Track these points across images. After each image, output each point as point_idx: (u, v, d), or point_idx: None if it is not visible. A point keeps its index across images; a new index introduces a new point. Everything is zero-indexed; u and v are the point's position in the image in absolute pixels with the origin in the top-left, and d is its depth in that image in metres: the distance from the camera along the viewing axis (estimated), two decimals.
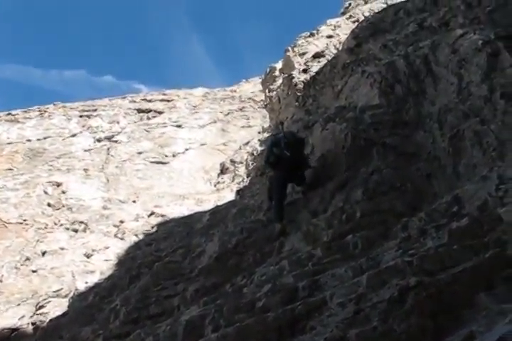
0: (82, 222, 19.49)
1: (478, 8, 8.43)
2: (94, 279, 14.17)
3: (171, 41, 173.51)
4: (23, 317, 14.04)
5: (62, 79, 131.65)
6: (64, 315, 11.64)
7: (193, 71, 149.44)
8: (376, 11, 15.32)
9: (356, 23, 15.33)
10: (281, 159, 8.67)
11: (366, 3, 19.40)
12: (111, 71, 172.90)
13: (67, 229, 19.20)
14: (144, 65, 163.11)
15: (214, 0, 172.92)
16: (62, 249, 17.28)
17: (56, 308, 13.45)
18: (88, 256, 16.65)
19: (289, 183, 9.05)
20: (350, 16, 18.38)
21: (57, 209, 20.66)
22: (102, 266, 15.24)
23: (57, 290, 14.78)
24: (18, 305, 14.62)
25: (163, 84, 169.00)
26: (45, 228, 19.20)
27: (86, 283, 14.18)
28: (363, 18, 16.17)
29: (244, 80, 35.00)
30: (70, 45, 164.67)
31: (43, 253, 17.17)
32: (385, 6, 15.37)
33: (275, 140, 9.08)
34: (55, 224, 19.60)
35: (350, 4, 20.43)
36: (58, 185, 22.41)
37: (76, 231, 19.02)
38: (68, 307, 12.43)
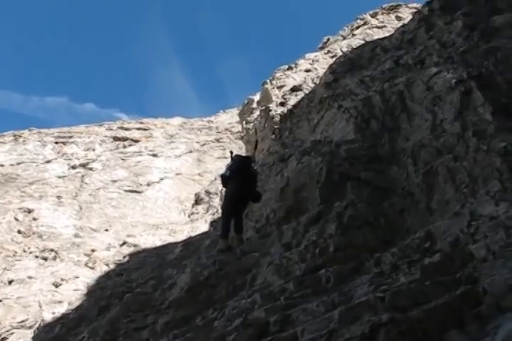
0: (52, 250, 19.08)
1: (452, 48, 8.65)
2: (61, 310, 13.78)
3: (154, 71, 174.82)
4: None
5: (43, 106, 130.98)
6: None
7: (175, 101, 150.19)
8: (354, 46, 15.65)
9: (334, 58, 15.59)
10: (229, 177, 9.55)
11: (344, 38, 19.82)
12: (92, 99, 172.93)
13: (37, 257, 18.76)
14: (126, 94, 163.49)
15: (197, 30, 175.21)
16: (30, 277, 16.84)
17: (20, 340, 13.05)
18: (57, 286, 16.26)
19: (245, 202, 9.64)
20: (329, 51, 18.72)
21: (28, 237, 20.25)
22: (70, 296, 14.88)
23: (22, 321, 14.32)
24: None
25: (144, 113, 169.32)
26: (14, 255, 18.75)
27: (53, 313, 13.79)
28: (340, 53, 16.49)
29: (221, 111, 35.18)
30: (52, 72, 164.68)
31: (10, 282, 16.70)
32: (362, 42, 15.71)
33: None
34: (25, 251, 19.16)
35: (328, 39, 20.86)
36: (30, 211, 22.02)
37: (46, 259, 18.60)
38: (33, 339, 12.05)
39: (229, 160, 10.65)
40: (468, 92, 6.85)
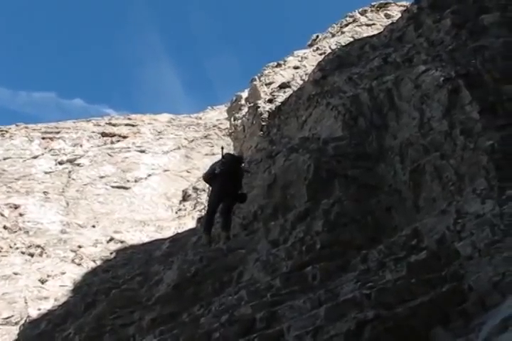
0: (38, 246, 18.96)
1: (440, 46, 8.67)
2: (47, 306, 13.71)
3: (143, 67, 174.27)
4: None
5: (30, 101, 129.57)
6: None
7: (163, 97, 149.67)
8: (343, 44, 15.65)
9: (323, 56, 15.58)
10: (218, 174, 9.71)
11: (333, 36, 19.83)
12: (81, 94, 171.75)
13: (23, 253, 18.65)
14: (115, 90, 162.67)
15: (187, 28, 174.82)
16: (16, 273, 16.73)
17: (5, 337, 12.94)
18: (43, 282, 16.16)
19: (233, 201, 9.84)
20: (317, 48, 18.73)
21: (14, 232, 20.11)
22: (56, 293, 14.80)
23: (8, 318, 14.22)
24: None
25: (133, 109, 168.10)
26: (0, 251, 18.65)
27: (39, 309, 13.71)
28: (329, 50, 16.49)
29: (209, 107, 35.09)
30: (40, 67, 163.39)
31: None
32: (351, 39, 15.72)
33: (217, 162, 10.35)
34: (11, 247, 19.03)
35: (317, 36, 20.86)
36: (16, 207, 21.87)
37: (32, 255, 18.48)
38: (18, 335, 11.98)
39: (218, 156, 10.71)
40: (456, 91, 6.87)
